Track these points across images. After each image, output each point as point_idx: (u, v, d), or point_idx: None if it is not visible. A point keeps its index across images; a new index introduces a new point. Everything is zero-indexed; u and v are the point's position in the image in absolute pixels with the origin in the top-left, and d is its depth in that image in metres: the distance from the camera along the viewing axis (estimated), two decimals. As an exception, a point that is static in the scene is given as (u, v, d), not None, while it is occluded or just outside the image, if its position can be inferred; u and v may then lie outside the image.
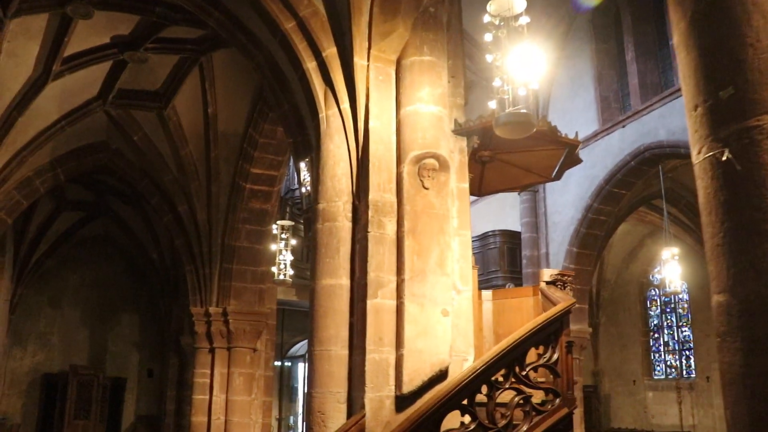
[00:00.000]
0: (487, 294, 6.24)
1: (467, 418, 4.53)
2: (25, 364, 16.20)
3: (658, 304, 17.95)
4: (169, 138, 10.39)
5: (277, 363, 16.02)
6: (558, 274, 5.63)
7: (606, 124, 12.35)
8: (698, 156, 2.30)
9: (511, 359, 4.60)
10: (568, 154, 6.08)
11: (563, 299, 5.06)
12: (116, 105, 10.30)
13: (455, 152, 5.49)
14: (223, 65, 9.45)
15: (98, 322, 17.13)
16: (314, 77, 5.66)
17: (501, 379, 4.60)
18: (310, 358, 5.39)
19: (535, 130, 4.65)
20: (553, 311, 4.84)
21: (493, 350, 4.63)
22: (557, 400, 4.74)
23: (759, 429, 2.02)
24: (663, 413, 16.61)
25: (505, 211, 14.76)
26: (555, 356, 4.79)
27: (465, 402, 4.47)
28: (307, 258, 10.91)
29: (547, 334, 4.81)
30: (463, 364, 5.05)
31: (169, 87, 9.97)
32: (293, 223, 10.23)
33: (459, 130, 5.52)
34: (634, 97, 12.09)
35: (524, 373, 4.65)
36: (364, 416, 4.73)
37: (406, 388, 4.75)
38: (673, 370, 17.15)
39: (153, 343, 17.31)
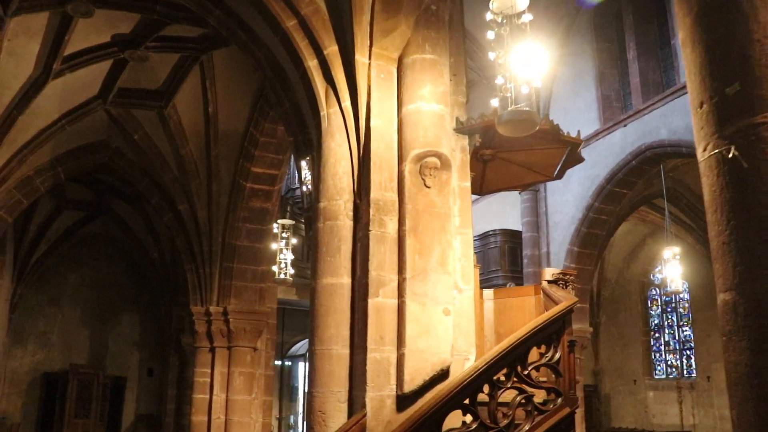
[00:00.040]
0: (488, 293, 6.22)
1: (469, 418, 4.51)
2: (25, 364, 16.18)
3: (659, 303, 17.94)
4: (170, 137, 10.37)
5: (278, 362, 16.00)
6: (560, 273, 5.62)
7: (607, 123, 12.33)
8: (704, 153, 2.29)
9: (512, 358, 4.58)
10: (570, 152, 6.06)
11: (565, 298, 5.03)
12: (117, 104, 10.29)
13: (457, 151, 5.47)
14: (224, 64, 9.44)
15: (98, 321, 17.12)
16: (315, 75, 5.64)
17: (503, 378, 4.58)
18: (310, 357, 5.37)
19: (537, 128, 4.63)
20: (555, 310, 4.82)
21: (494, 349, 4.61)
22: (559, 400, 4.72)
23: (765, 429, 2.00)
24: (663, 413, 16.59)
25: (505, 211, 14.75)
26: (557, 355, 4.76)
27: (467, 401, 4.45)
28: (308, 257, 10.90)
29: (549, 333, 4.78)
30: (465, 363, 5.03)
31: (169, 86, 9.96)
32: (294, 222, 10.21)
33: (461, 129, 5.51)
34: (635, 96, 12.07)
35: (526, 372, 4.63)
36: (365, 416, 4.71)
37: (408, 387, 4.73)
38: (674, 369, 17.13)
39: (153, 342, 17.30)
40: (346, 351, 5.11)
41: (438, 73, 5.36)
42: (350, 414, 4.95)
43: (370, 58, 5.39)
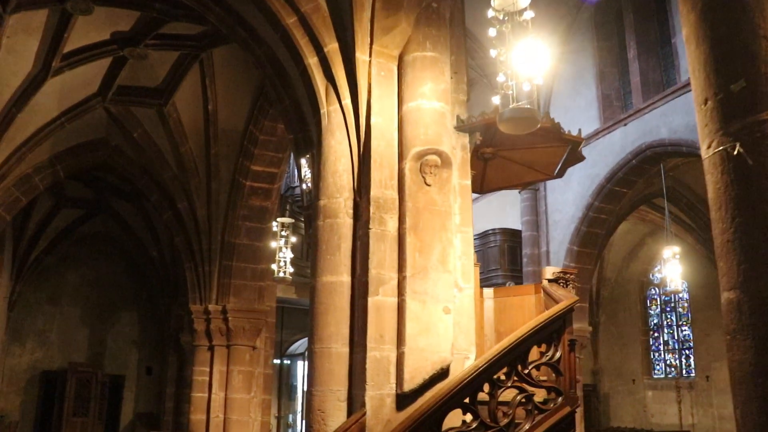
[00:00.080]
0: (488, 292, 6.21)
1: (469, 417, 4.49)
2: (23, 362, 16.16)
3: (658, 303, 17.94)
4: (169, 135, 10.36)
5: (277, 361, 16.01)
6: (561, 272, 5.60)
7: (607, 122, 12.32)
8: (708, 150, 2.27)
9: (513, 357, 4.56)
10: (571, 151, 6.04)
11: (566, 297, 5.01)
12: (116, 101, 10.27)
13: (457, 149, 5.45)
14: (224, 62, 9.42)
15: (97, 319, 17.09)
16: (316, 73, 5.61)
17: (503, 377, 4.56)
18: (310, 355, 5.34)
19: (539, 126, 4.61)
20: (555, 309, 4.80)
21: (495, 348, 4.58)
22: (559, 399, 4.70)
23: (770, 428, 1.98)
24: (662, 412, 16.59)
25: (505, 210, 14.75)
26: (557, 354, 4.74)
27: (467, 400, 4.43)
28: (307, 256, 10.89)
29: (550, 332, 4.76)
30: (465, 362, 5.02)
31: (169, 83, 9.94)
32: (293, 221, 10.20)
33: (461, 127, 5.49)
34: (635, 95, 12.06)
35: (526, 371, 4.61)
36: (364, 414, 4.69)
37: (407, 386, 4.71)
38: (673, 369, 17.13)
39: (152, 340, 17.28)
40: (346, 349, 5.09)
41: (439, 71, 5.34)
42: (350, 413, 4.93)
43: (370, 55, 5.37)
